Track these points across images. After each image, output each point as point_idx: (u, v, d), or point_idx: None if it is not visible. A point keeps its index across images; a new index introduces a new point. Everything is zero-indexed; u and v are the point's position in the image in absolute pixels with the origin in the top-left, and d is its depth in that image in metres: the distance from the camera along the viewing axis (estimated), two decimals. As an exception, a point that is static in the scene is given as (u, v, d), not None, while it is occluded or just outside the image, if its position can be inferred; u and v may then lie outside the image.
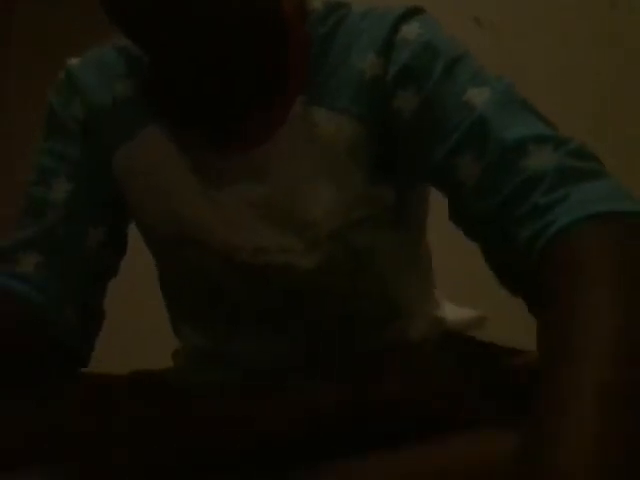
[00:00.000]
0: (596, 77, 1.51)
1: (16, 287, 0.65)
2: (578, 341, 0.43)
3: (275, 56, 0.66)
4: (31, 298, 0.65)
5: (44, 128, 0.71)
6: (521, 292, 0.57)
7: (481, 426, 0.55)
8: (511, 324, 0.55)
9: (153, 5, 0.56)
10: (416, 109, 0.61)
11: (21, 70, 1.67)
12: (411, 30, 0.63)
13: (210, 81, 0.64)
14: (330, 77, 0.65)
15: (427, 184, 0.69)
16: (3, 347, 0.64)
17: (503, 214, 0.55)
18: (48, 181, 0.69)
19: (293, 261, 0.65)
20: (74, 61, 0.72)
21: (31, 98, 1.67)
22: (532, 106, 0.59)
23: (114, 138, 0.69)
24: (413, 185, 0.70)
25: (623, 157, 1.26)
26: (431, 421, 0.58)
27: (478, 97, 0.58)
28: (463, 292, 0.84)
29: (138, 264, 0.79)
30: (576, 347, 0.43)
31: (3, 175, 1.63)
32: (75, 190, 0.69)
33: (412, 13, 0.64)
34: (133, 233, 0.74)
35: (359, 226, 0.66)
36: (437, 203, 0.74)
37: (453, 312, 0.81)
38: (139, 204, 0.69)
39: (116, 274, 0.74)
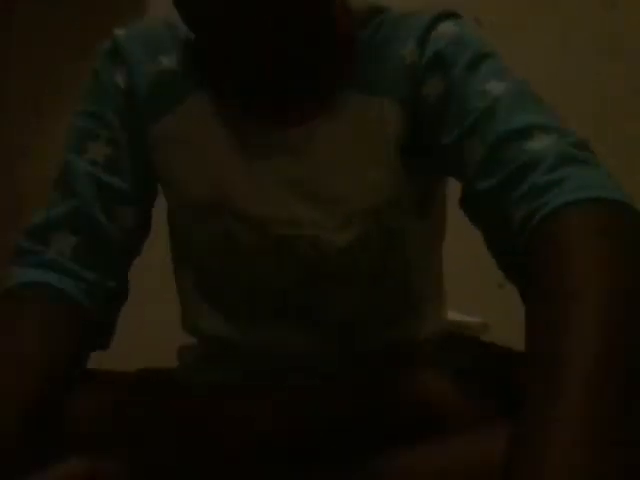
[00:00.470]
0: (596, 77, 1.51)
1: (51, 279, 0.65)
2: (566, 342, 0.44)
3: (325, 47, 0.69)
4: (67, 290, 0.65)
5: (86, 93, 0.72)
6: (516, 278, 0.57)
7: (481, 426, 0.55)
8: (513, 331, 0.56)
9: None
10: (440, 94, 0.64)
11: (21, 70, 1.67)
12: (447, 26, 0.67)
13: (265, 64, 0.66)
14: (374, 66, 0.68)
15: (441, 171, 0.70)
16: (44, 337, 0.63)
17: (503, 194, 0.57)
18: (85, 144, 0.69)
19: (325, 237, 0.66)
20: (121, 31, 0.72)
21: (31, 98, 1.68)
22: (544, 102, 0.62)
23: (155, 109, 0.70)
24: (438, 173, 0.71)
25: (623, 157, 1.26)
26: (431, 421, 0.58)
27: (497, 88, 0.61)
28: (465, 299, 0.84)
29: (138, 262, 0.78)
30: (564, 350, 0.44)
31: (3, 175, 1.63)
32: (113, 156, 0.69)
33: (450, 14, 0.68)
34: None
35: (391, 208, 0.67)
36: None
37: (456, 318, 0.81)
38: (174, 171, 0.70)
39: (140, 253, 0.74)
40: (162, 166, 0.71)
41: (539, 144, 0.56)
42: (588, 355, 0.43)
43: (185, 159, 0.69)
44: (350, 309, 0.70)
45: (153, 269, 0.89)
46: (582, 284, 0.47)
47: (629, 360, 0.44)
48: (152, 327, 1.30)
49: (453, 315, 0.81)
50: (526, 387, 0.44)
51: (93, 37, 0.75)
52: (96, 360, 0.70)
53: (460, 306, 0.82)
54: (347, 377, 0.66)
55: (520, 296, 0.56)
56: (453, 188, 0.66)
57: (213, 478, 0.58)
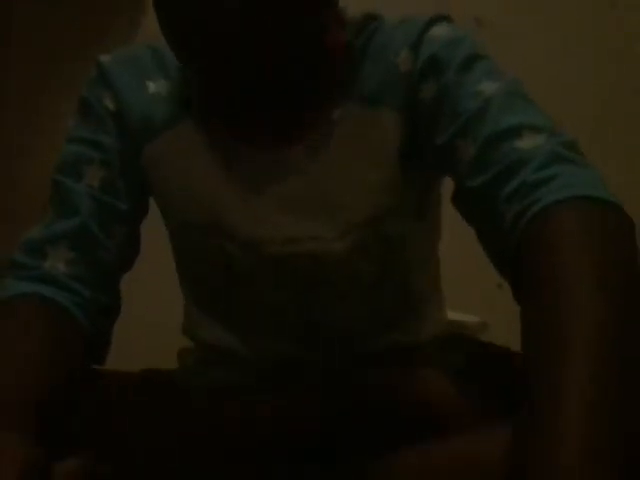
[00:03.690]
0: (596, 77, 1.51)
1: (44, 291, 0.65)
2: (562, 342, 0.45)
3: (320, 62, 0.69)
4: (58, 301, 0.65)
5: (76, 120, 0.72)
6: (509, 276, 0.57)
7: (481, 426, 0.55)
8: (512, 331, 0.56)
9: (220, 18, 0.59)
10: (435, 96, 0.64)
11: (21, 70, 1.67)
12: (440, 29, 0.67)
13: (265, 64, 0.65)
14: (368, 75, 0.68)
15: (436, 170, 0.70)
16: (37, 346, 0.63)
17: (494, 191, 0.57)
18: (80, 169, 0.69)
19: (323, 248, 0.66)
20: (106, 57, 0.72)
21: (31, 98, 1.67)
22: (536, 103, 0.62)
23: (145, 132, 0.70)
24: (433, 171, 0.71)
25: (623, 157, 1.26)
26: (431, 421, 0.59)
27: (489, 88, 0.62)
28: (464, 299, 0.84)
29: (141, 265, 0.78)
30: (561, 348, 0.45)
31: (3, 175, 1.63)
32: (108, 177, 0.70)
33: (442, 18, 0.68)
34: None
35: (391, 213, 0.67)
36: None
37: (455, 317, 0.82)
38: (169, 193, 0.70)
39: (130, 269, 0.75)
40: (157, 188, 0.71)
41: (529, 143, 0.57)
42: (583, 361, 0.44)
43: (178, 182, 0.70)
44: (350, 313, 0.70)
45: (154, 271, 0.89)
46: (573, 285, 0.48)
47: (623, 362, 0.45)
48: (152, 328, 1.30)
49: (452, 315, 0.81)
50: (526, 396, 0.45)
51: (93, 37, 0.75)
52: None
53: (459, 306, 0.82)
54: (347, 378, 0.66)
55: (513, 295, 0.56)
56: (450, 188, 0.66)
57: (213, 478, 0.58)
